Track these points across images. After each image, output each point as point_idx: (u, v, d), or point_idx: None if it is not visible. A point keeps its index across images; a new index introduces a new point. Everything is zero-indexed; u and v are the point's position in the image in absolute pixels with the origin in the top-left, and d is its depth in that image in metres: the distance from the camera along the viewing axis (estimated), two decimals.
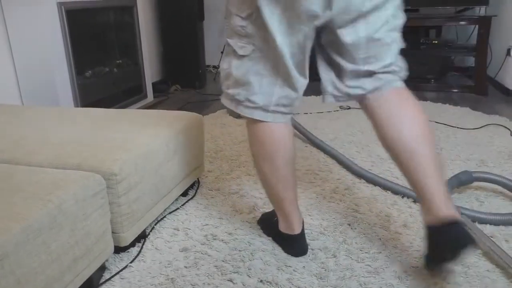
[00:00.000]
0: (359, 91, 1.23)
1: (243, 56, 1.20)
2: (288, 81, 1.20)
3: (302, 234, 1.39)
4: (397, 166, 1.27)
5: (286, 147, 1.29)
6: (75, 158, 1.32)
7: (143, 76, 3.30)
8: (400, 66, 1.22)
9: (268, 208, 1.67)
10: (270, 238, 1.48)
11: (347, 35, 1.13)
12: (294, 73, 1.18)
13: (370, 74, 1.20)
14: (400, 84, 1.23)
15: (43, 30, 2.28)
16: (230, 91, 1.25)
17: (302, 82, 1.23)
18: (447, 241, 1.13)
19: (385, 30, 1.14)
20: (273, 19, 1.09)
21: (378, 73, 1.19)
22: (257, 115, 1.24)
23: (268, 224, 1.52)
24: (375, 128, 1.28)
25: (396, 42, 1.18)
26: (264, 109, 1.23)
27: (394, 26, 1.16)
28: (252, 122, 1.27)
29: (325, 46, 1.23)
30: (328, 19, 1.10)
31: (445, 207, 1.14)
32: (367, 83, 1.21)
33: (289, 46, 1.13)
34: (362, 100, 1.27)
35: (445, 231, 1.13)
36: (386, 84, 1.21)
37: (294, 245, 1.40)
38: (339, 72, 1.24)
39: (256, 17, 1.13)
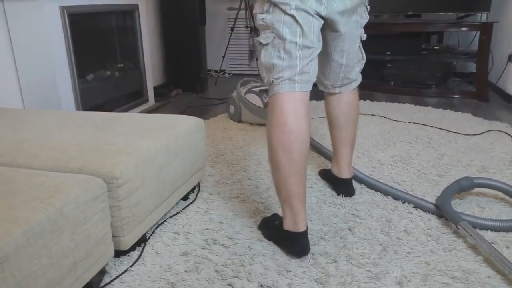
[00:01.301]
0: None
1: (266, 45, 1.37)
2: (306, 45, 1.35)
3: (306, 232, 1.41)
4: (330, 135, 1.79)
5: (304, 137, 1.36)
6: (76, 162, 1.32)
7: (145, 80, 3.30)
8: None
9: (269, 212, 1.67)
10: (271, 242, 1.48)
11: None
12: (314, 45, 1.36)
13: None
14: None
15: (46, 33, 2.29)
16: (264, 74, 1.42)
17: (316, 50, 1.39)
18: (342, 189, 1.83)
19: None
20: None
21: None
22: (285, 87, 1.36)
23: (270, 227, 1.55)
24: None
25: None
26: (291, 79, 1.36)
27: None
28: (276, 97, 1.37)
29: None
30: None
31: (347, 170, 1.80)
32: None
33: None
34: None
35: (342, 183, 1.82)
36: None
37: (298, 243, 1.41)
38: None
39: (272, 7, 1.33)
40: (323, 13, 1.35)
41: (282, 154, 1.34)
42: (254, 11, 1.43)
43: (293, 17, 1.31)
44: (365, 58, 1.68)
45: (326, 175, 1.94)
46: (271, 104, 1.38)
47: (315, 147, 2.32)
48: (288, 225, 1.41)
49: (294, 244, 1.41)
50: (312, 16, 1.33)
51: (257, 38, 1.43)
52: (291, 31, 1.32)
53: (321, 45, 1.40)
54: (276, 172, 1.38)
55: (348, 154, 1.78)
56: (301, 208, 1.39)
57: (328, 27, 1.46)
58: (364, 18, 1.56)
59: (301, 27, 1.32)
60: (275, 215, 1.59)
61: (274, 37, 1.35)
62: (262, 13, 1.37)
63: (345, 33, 1.50)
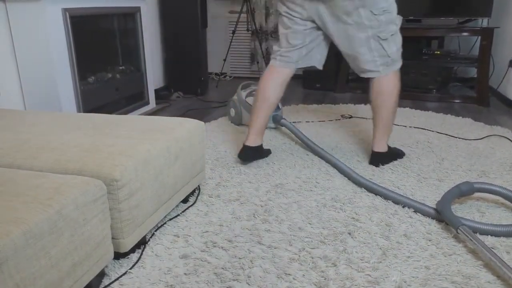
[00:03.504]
0: None
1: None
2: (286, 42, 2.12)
3: (248, 146, 2.20)
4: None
5: (268, 89, 2.18)
6: (76, 163, 1.32)
7: (146, 83, 3.31)
8: None
9: (268, 215, 1.67)
10: (271, 246, 1.48)
11: None
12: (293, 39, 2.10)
13: None
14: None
15: (47, 35, 2.29)
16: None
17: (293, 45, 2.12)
18: (371, 159, 2.23)
19: None
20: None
21: None
22: (271, 61, 2.19)
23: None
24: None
25: None
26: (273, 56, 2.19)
27: None
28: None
29: None
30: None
31: (377, 144, 2.19)
32: None
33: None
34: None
35: (372, 155, 2.22)
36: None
37: (240, 151, 2.19)
38: None
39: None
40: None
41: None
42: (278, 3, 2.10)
43: None
44: (391, 55, 2.03)
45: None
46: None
47: (317, 151, 2.32)
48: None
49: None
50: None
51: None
52: None
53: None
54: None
55: (376, 132, 2.17)
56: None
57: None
58: (364, 19, 1.93)
59: None
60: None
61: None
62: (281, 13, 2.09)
63: (333, 33, 2.02)
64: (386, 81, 2.07)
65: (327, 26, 1.99)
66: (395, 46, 2.03)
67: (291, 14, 2.04)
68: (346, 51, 2.05)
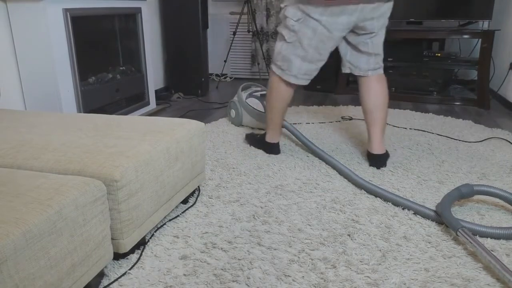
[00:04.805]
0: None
1: (289, 43, 2.05)
2: (313, 61, 2.08)
3: (279, 142, 2.40)
4: (364, 115, 2.23)
5: (291, 98, 2.24)
6: (76, 164, 1.32)
7: (146, 83, 3.31)
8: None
9: (268, 216, 1.67)
10: (270, 247, 1.48)
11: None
12: (322, 57, 2.07)
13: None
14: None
15: (48, 35, 2.29)
16: (279, 63, 2.13)
17: (323, 62, 2.11)
18: (373, 161, 2.23)
19: None
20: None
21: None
22: (292, 80, 2.13)
23: (255, 139, 2.50)
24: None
25: None
26: (296, 76, 2.12)
27: None
28: (282, 82, 2.17)
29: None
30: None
31: (378, 147, 2.20)
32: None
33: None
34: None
35: (373, 158, 2.22)
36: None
37: (275, 149, 2.38)
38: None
39: (302, 21, 1.97)
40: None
41: (278, 103, 2.24)
42: (284, 13, 2.05)
43: None
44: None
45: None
46: None
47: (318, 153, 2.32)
48: (268, 139, 2.38)
49: (273, 149, 2.39)
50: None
51: (281, 31, 2.10)
52: None
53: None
54: (271, 110, 2.28)
55: (379, 133, 2.20)
56: (279, 129, 2.36)
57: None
58: None
59: None
60: (254, 133, 2.56)
61: (295, 40, 2.06)
62: (294, 21, 2.02)
63: None
64: (373, 79, 2.17)
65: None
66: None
67: None
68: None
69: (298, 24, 1.97)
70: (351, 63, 2.15)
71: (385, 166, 2.20)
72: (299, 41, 2.01)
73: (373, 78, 2.14)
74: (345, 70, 2.19)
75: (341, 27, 1.95)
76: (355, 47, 2.10)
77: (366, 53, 2.09)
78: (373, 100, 2.15)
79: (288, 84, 2.16)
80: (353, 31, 2.04)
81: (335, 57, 4.37)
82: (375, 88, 2.14)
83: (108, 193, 1.27)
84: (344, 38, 2.10)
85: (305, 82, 2.14)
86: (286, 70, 2.11)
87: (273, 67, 2.18)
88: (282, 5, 2.05)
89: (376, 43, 2.07)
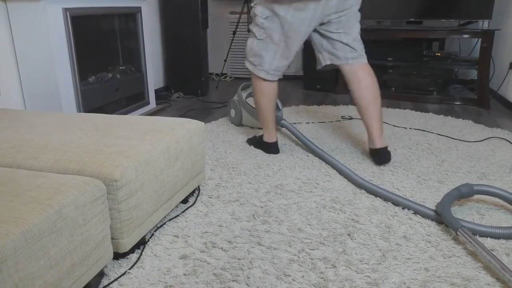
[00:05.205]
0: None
1: (260, 40, 2.14)
2: (284, 57, 2.16)
3: (276, 141, 2.40)
4: (359, 113, 2.25)
5: (274, 94, 2.28)
6: (76, 163, 1.32)
7: (146, 83, 3.31)
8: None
9: (268, 216, 1.67)
10: (270, 247, 1.48)
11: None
12: (290, 53, 2.16)
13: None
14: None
15: (48, 35, 2.29)
16: (251, 59, 2.22)
17: (291, 58, 2.19)
18: (378, 157, 2.22)
19: None
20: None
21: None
22: (263, 74, 2.20)
23: (255, 140, 2.49)
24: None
25: None
26: (267, 71, 2.19)
27: None
28: (259, 79, 2.23)
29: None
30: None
31: (380, 141, 2.20)
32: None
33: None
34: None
35: (377, 154, 2.22)
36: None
37: (273, 148, 2.38)
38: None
39: (270, 18, 2.07)
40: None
41: (263, 101, 2.28)
42: (255, 11, 2.11)
43: None
44: None
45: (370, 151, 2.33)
46: None
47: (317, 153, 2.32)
48: (266, 138, 2.39)
49: (271, 148, 2.39)
50: None
51: (252, 28, 2.18)
52: None
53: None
54: (260, 110, 2.31)
55: (378, 127, 2.21)
56: (273, 127, 2.36)
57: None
58: None
59: None
60: (255, 136, 2.55)
61: (266, 37, 2.14)
62: (263, 19, 2.10)
63: None
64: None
65: None
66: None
67: None
68: None
69: (267, 22, 2.07)
70: (329, 51, 2.20)
71: (390, 160, 2.20)
72: (270, 38, 2.11)
73: (359, 69, 2.17)
74: (326, 61, 2.23)
75: (307, 23, 2.04)
76: (329, 38, 2.16)
77: (341, 42, 2.15)
78: (365, 95, 2.17)
79: (268, 83, 2.22)
80: (323, 23, 2.12)
81: None
82: (364, 82, 2.17)
83: (108, 192, 1.27)
84: (317, 31, 2.18)
85: (275, 77, 2.21)
86: (257, 65, 2.19)
87: (246, 63, 2.27)
88: (252, 4, 2.15)
89: (349, 35, 2.13)
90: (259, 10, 2.09)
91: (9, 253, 0.90)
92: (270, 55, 2.14)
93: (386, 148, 2.20)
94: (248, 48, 2.22)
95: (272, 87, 2.24)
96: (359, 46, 2.17)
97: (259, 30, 2.12)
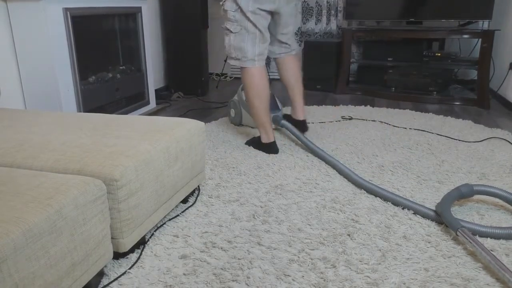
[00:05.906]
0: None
1: (236, 33, 2.24)
2: (262, 41, 2.29)
3: (275, 141, 2.42)
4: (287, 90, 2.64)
5: (266, 88, 2.32)
6: (76, 163, 1.32)
7: (146, 83, 3.31)
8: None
9: (267, 216, 1.67)
10: (270, 247, 1.48)
11: None
12: (265, 36, 2.30)
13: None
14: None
15: (48, 35, 2.29)
16: (233, 54, 2.29)
17: (268, 39, 2.33)
18: (301, 127, 2.64)
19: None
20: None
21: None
22: (250, 63, 2.28)
23: (254, 141, 2.50)
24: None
25: None
26: (253, 59, 2.27)
27: None
28: (247, 71, 2.29)
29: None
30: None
31: (302, 114, 2.67)
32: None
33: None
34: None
35: (299, 124, 2.65)
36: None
37: (273, 148, 2.40)
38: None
39: (239, 10, 2.19)
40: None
41: (256, 100, 2.32)
42: (225, 7, 2.25)
43: None
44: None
45: (289, 119, 2.69)
46: None
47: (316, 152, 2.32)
48: (264, 139, 2.41)
49: (270, 148, 2.40)
50: None
51: (226, 25, 2.30)
52: None
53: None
54: (254, 110, 2.34)
55: (301, 101, 2.67)
56: (270, 127, 2.38)
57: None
58: None
59: None
60: (253, 137, 2.55)
61: (240, 29, 2.26)
62: (233, 12, 2.23)
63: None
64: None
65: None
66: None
67: None
68: None
69: (237, 14, 2.20)
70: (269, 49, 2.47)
71: (307, 130, 2.71)
72: (244, 29, 2.22)
73: (289, 59, 2.56)
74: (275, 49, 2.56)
75: (264, 13, 2.24)
76: (272, 34, 2.44)
77: (279, 41, 2.49)
78: (292, 76, 2.59)
79: (258, 74, 2.29)
80: (272, 17, 2.35)
81: (335, 58, 4.38)
82: (292, 67, 2.57)
83: (108, 192, 1.27)
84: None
85: (262, 62, 2.31)
86: (242, 58, 2.27)
87: (231, 62, 2.33)
88: (221, 3, 2.27)
89: (287, 31, 2.46)
90: (228, 5, 2.21)
91: (9, 252, 0.90)
92: (249, 43, 2.24)
93: (305, 120, 2.69)
94: (227, 46, 2.30)
95: (266, 83, 2.32)
96: (294, 43, 2.55)
97: (232, 24, 2.23)
